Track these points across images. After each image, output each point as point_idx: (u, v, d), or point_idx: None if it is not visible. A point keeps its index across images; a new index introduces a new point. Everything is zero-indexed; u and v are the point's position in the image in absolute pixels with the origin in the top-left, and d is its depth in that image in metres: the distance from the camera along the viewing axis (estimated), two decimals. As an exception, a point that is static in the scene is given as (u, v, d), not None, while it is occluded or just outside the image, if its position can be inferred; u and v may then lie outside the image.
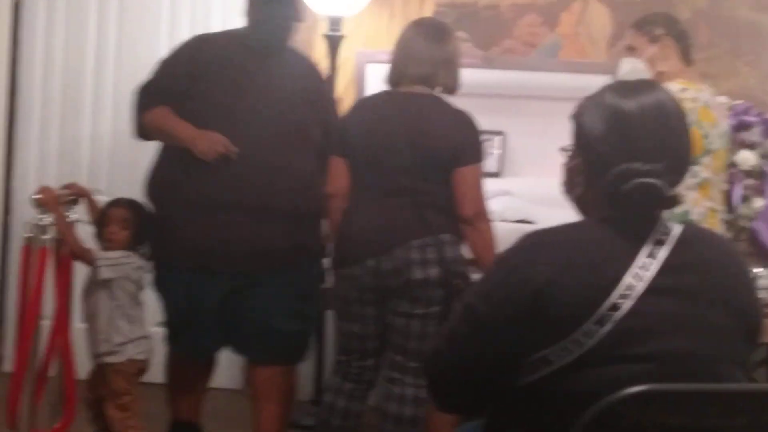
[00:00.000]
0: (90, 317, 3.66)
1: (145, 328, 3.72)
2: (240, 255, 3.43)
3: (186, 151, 3.43)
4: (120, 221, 3.61)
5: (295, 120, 3.51)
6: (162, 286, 3.66)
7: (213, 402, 3.90)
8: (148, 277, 3.72)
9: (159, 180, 3.57)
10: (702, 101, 3.37)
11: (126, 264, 3.59)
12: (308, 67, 3.79)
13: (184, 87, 3.52)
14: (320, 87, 3.79)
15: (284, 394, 3.65)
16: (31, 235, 3.53)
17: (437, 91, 3.39)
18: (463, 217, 3.30)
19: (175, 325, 3.69)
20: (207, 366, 3.82)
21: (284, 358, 3.62)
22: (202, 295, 3.50)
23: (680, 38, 3.55)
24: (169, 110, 3.53)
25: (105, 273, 3.55)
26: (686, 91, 3.33)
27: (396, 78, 3.39)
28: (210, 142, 3.38)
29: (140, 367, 3.67)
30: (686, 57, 3.55)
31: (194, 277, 3.49)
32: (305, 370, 4.94)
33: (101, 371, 3.67)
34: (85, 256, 3.57)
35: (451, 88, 3.41)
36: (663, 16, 3.68)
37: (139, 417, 3.75)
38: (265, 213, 3.41)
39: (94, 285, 3.61)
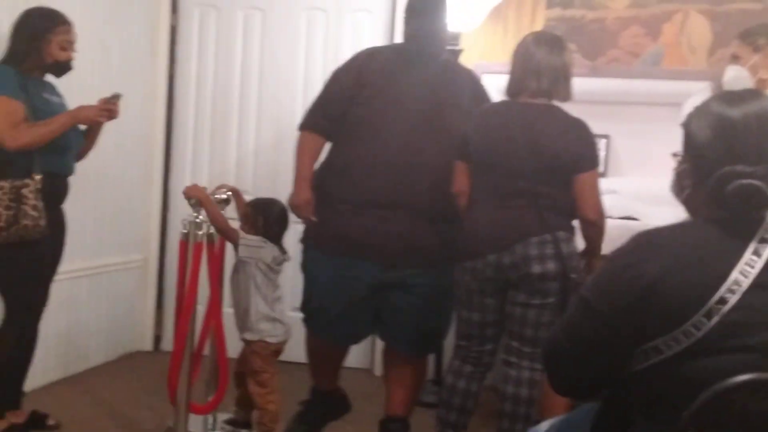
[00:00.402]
0: (234, 296, 3.75)
1: (281, 312, 3.76)
2: (392, 249, 3.45)
3: (359, 152, 3.50)
4: (255, 216, 3.73)
5: (447, 126, 3.49)
6: (313, 269, 3.66)
7: (344, 381, 3.91)
8: (283, 266, 3.78)
9: (334, 172, 3.59)
10: None
11: (261, 248, 3.67)
12: (470, 78, 3.76)
13: (346, 103, 3.56)
14: (476, 92, 3.71)
15: (416, 381, 3.73)
16: (187, 231, 3.62)
17: (554, 101, 3.34)
18: (587, 219, 3.26)
19: (321, 313, 3.65)
20: (346, 348, 3.84)
21: (423, 350, 3.74)
22: (353, 283, 3.51)
23: None
24: (313, 139, 3.64)
25: (242, 252, 3.65)
26: None
27: (515, 89, 3.34)
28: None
29: (274, 349, 3.73)
30: None
31: (344, 263, 3.51)
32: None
33: (244, 351, 3.76)
34: (231, 235, 3.65)
35: (565, 97, 3.35)
36: (766, 27, 3.55)
37: (277, 393, 3.82)
38: (418, 213, 3.45)
39: (237, 265, 3.71)
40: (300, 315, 3.77)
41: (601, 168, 4.56)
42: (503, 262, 3.21)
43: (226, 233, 3.65)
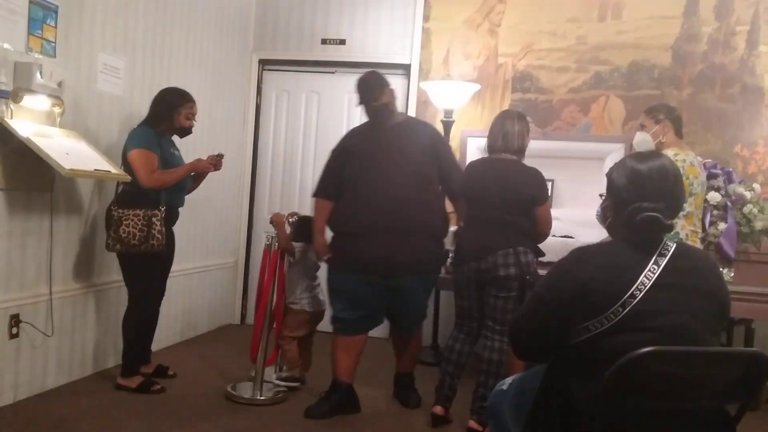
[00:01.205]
0: (288, 284, 3.74)
1: (319, 292, 3.77)
2: (389, 263, 3.31)
3: (355, 196, 3.36)
4: (298, 229, 3.75)
5: (420, 168, 3.36)
6: (338, 285, 3.46)
7: (369, 346, 3.88)
8: (319, 265, 3.77)
9: (340, 214, 3.45)
10: (688, 161, 3.24)
11: (304, 250, 3.70)
12: (425, 129, 3.53)
13: (341, 169, 3.43)
14: (436, 142, 3.49)
15: (414, 347, 3.71)
16: (268, 242, 3.63)
17: (515, 155, 3.35)
18: (543, 234, 3.33)
19: (347, 315, 3.43)
20: (362, 339, 3.52)
21: (415, 328, 3.66)
22: (366, 289, 3.37)
23: (675, 121, 3.43)
24: (323, 202, 3.49)
25: (296, 254, 3.69)
26: (678, 155, 3.22)
27: (492, 148, 3.37)
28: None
29: (312, 315, 3.70)
30: (679, 133, 3.43)
31: (359, 277, 3.36)
32: (426, 326, 4.95)
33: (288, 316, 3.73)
34: (290, 249, 3.66)
35: (522, 152, 3.36)
36: (665, 106, 3.56)
37: (309, 356, 3.79)
38: (406, 234, 3.31)
39: (291, 264, 3.73)
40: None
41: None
42: (481, 267, 3.23)
43: (288, 250, 3.67)
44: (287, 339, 3.72)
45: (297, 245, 3.70)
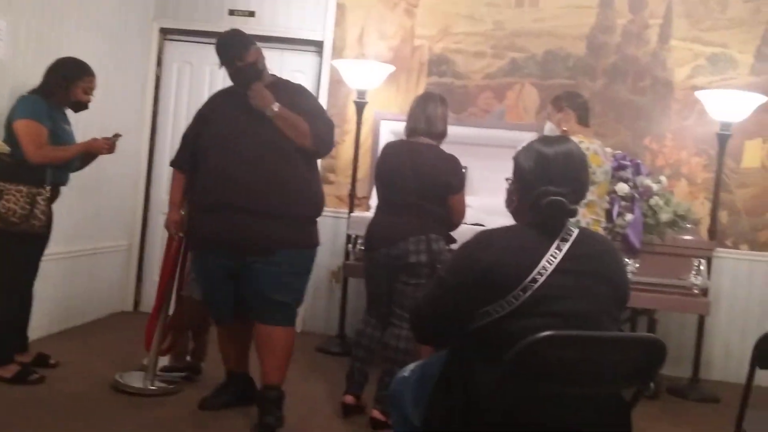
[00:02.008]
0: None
1: None
2: (234, 241, 2.98)
3: (207, 169, 3.04)
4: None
5: (280, 138, 2.98)
6: (194, 264, 3.32)
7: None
8: None
9: (194, 188, 3.17)
10: (592, 150, 3.36)
11: None
12: (294, 90, 3.18)
13: (197, 137, 3.14)
14: (299, 99, 3.10)
15: (279, 349, 3.09)
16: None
17: (435, 139, 3.39)
18: (456, 224, 3.40)
19: (206, 297, 3.27)
20: (244, 326, 3.23)
21: (275, 320, 3.07)
22: (216, 272, 3.10)
23: (578, 108, 3.53)
24: (180, 177, 3.25)
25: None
26: (582, 143, 3.31)
27: (410, 131, 3.40)
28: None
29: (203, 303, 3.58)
30: (583, 121, 3.54)
31: (210, 259, 3.10)
32: (333, 313, 4.97)
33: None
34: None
35: (443, 135, 3.40)
36: (567, 94, 3.68)
37: (204, 345, 3.72)
38: (261, 214, 2.96)
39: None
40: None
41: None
42: (392, 253, 3.27)
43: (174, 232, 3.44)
44: (178, 328, 3.63)
45: None
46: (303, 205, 3.05)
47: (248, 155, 2.97)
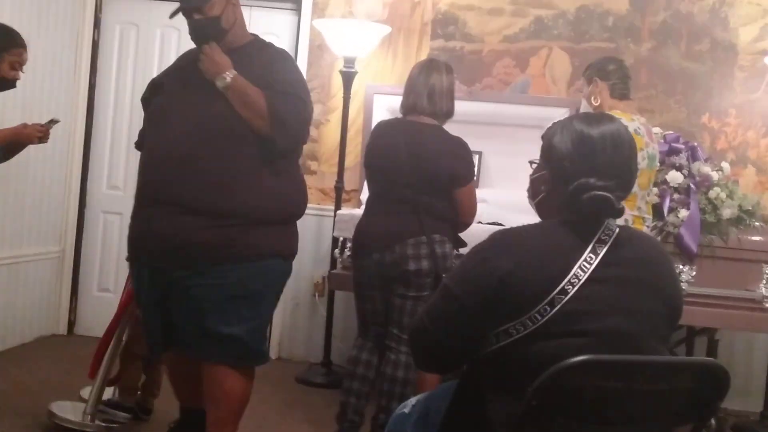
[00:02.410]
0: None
1: None
2: (159, 251, 2.75)
3: (143, 153, 2.89)
4: None
5: (226, 117, 2.74)
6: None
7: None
8: None
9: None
10: (632, 128, 3.33)
11: None
12: (268, 54, 2.94)
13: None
14: (271, 69, 2.85)
15: (226, 397, 2.82)
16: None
17: (438, 119, 3.40)
18: (465, 223, 3.44)
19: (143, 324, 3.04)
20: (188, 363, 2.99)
21: (218, 358, 2.79)
22: (143, 288, 2.88)
23: (607, 77, 3.55)
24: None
25: None
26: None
27: (411, 107, 3.41)
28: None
29: None
30: (620, 93, 3.55)
31: (138, 269, 2.89)
32: (317, 336, 4.97)
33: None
34: None
35: (448, 114, 3.41)
36: (596, 62, 3.70)
37: (158, 378, 3.73)
38: (185, 210, 2.70)
39: None
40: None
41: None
42: (385, 260, 3.28)
43: None
44: (130, 355, 3.64)
45: None
46: (257, 202, 2.74)
47: (184, 136, 2.73)
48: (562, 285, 1.70)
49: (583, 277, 1.71)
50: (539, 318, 1.69)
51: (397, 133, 3.38)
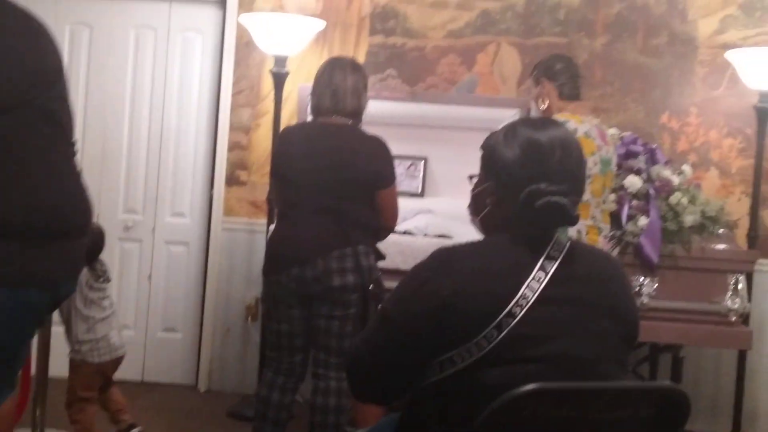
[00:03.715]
0: (66, 325, 3.70)
1: (108, 332, 3.70)
2: None
3: None
4: None
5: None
6: None
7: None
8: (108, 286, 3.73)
9: None
10: (581, 131, 3.41)
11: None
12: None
13: None
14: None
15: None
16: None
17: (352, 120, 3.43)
18: (388, 228, 3.46)
19: None
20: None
21: None
22: None
23: (555, 77, 3.60)
24: None
25: None
26: (567, 123, 3.37)
27: (317, 108, 3.43)
28: None
29: (101, 366, 3.64)
30: (569, 94, 3.60)
31: None
32: (250, 364, 4.93)
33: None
34: None
35: (358, 114, 3.44)
36: (542, 61, 3.75)
37: (91, 413, 3.72)
38: None
39: None
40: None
41: (419, 188, 4.72)
42: (306, 275, 3.26)
43: None
44: (78, 402, 3.65)
45: None
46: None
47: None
48: (509, 307, 1.70)
49: (532, 298, 1.72)
50: (486, 344, 1.69)
51: (309, 136, 3.41)
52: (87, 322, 3.65)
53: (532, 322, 1.70)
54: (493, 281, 1.74)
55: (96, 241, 3.69)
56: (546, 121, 1.99)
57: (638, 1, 4.95)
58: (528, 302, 1.71)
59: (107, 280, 3.74)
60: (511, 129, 1.92)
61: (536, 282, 1.74)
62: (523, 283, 1.73)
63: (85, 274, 3.64)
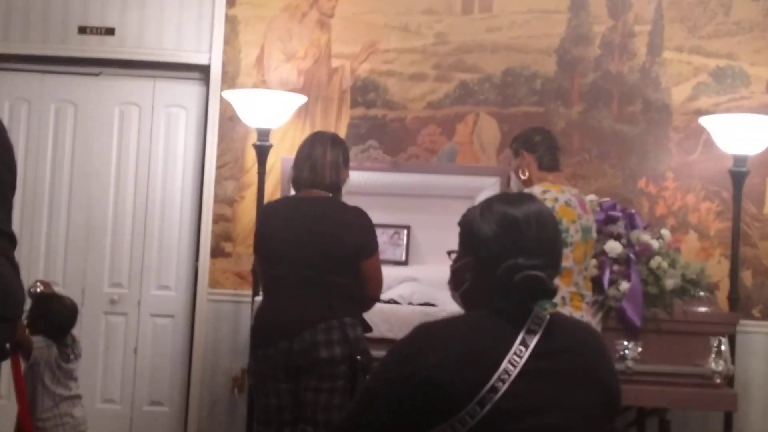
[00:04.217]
0: (31, 398, 3.65)
1: (74, 408, 3.71)
2: None
3: None
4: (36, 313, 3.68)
5: None
6: None
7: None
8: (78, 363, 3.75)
9: None
10: (562, 201, 3.44)
11: (49, 347, 3.65)
12: None
13: None
14: None
15: None
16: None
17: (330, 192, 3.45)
18: (373, 297, 3.48)
19: None
20: None
21: None
22: None
23: (534, 149, 3.64)
24: None
25: (34, 353, 3.60)
26: (547, 192, 3.42)
27: (297, 182, 3.47)
28: None
29: None
30: (547, 165, 3.64)
31: None
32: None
33: None
34: (24, 344, 3.55)
35: (333, 186, 3.46)
36: (521, 134, 3.80)
37: None
38: None
39: (30, 366, 3.65)
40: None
41: (403, 257, 4.73)
42: (294, 348, 3.26)
43: (19, 343, 3.51)
44: None
45: (36, 339, 3.59)
46: None
47: None
48: (491, 382, 1.70)
49: (515, 372, 1.72)
50: (469, 419, 1.68)
51: (290, 211, 3.43)
52: (53, 399, 3.64)
53: (515, 396, 1.70)
54: (475, 356, 1.74)
55: (67, 315, 3.70)
56: (521, 196, 2.02)
57: (612, 70, 5.04)
58: (510, 377, 1.71)
59: (77, 357, 3.73)
60: (487, 205, 1.95)
61: (517, 356, 1.74)
62: (505, 358, 1.73)
63: (55, 350, 3.64)
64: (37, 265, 5.06)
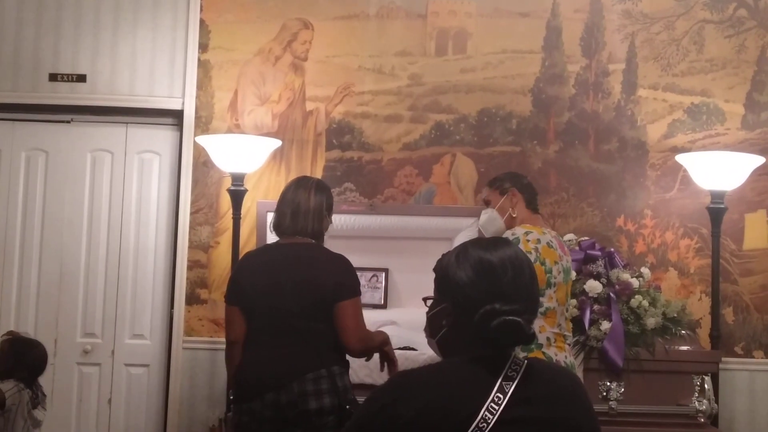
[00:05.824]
0: None
1: None
2: None
3: None
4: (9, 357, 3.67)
5: None
6: None
7: None
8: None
9: None
10: (544, 242, 3.44)
11: (22, 391, 3.63)
12: None
13: None
14: None
15: None
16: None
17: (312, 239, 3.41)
18: (350, 349, 3.31)
19: None
20: None
21: None
22: None
23: (524, 190, 3.66)
24: None
25: (9, 400, 3.57)
26: (530, 233, 3.42)
27: (278, 228, 3.43)
28: None
29: None
30: (531, 205, 3.66)
31: None
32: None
33: None
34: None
35: (315, 234, 3.41)
36: (509, 173, 3.82)
37: None
38: None
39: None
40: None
41: (381, 300, 4.71)
42: (281, 400, 3.19)
43: None
44: None
45: (7, 386, 3.52)
46: None
47: None
48: (470, 431, 1.68)
49: (492, 420, 1.69)
50: (449, 470, 1.66)
51: (270, 260, 3.38)
52: None
53: (494, 446, 1.68)
54: (452, 405, 1.71)
55: (39, 356, 3.66)
56: (496, 240, 2.00)
57: (587, 108, 5.07)
58: (489, 425, 1.68)
59: (44, 407, 3.70)
60: (462, 250, 1.93)
61: (495, 404, 1.71)
62: (483, 406, 1.70)
63: (27, 395, 3.61)
64: (8, 316, 5.00)
